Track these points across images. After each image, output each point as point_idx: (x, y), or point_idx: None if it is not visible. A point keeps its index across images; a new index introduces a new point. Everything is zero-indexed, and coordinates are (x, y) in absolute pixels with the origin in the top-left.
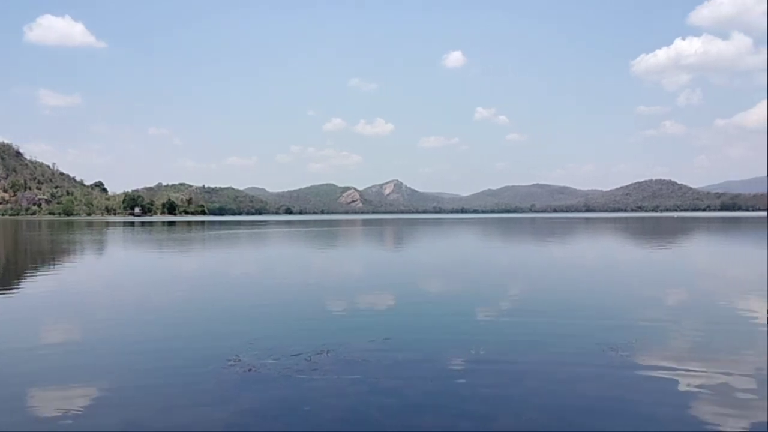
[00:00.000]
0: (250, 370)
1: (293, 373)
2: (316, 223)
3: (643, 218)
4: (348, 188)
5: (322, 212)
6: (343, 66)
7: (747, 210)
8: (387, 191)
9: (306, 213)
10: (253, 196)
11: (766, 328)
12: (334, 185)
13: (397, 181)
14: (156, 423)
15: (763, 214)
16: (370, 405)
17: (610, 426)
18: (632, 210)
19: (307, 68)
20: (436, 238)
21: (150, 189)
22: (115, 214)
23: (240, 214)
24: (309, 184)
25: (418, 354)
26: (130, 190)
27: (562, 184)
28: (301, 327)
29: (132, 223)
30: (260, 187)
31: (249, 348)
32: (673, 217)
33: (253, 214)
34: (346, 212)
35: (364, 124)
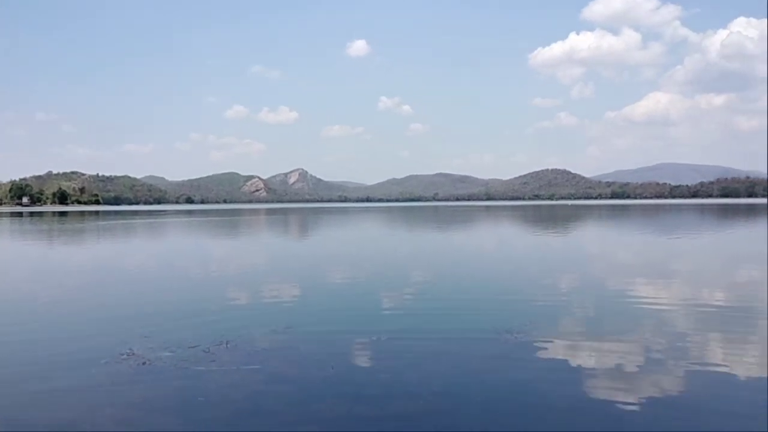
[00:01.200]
0: (144, 363)
1: (190, 365)
2: (218, 212)
3: (539, 206)
4: (251, 177)
5: (225, 201)
6: (243, 52)
7: (635, 198)
8: (292, 180)
9: (208, 202)
10: (151, 185)
11: (650, 308)
12: (237, 174)
13: (302, 170)
14: (40, 421)
15: (650, 201)
16: (269, 394)
17: (504, 406)
18: (530, 198)
19: (205, 53)
20: (341, 227)
21: (39, 178)
22: (0, 204)
23: (137, 203)
24: (210, 173)
25: (320, 342)
26: (17, 179)
27: (463, 173)
28: (199, 319)
29: (20, 214)
30: (159, 175)
31: (144, 341)
32: (567, 205)
33: (151, 203)
34: (250, 201)
35: (267, 111)
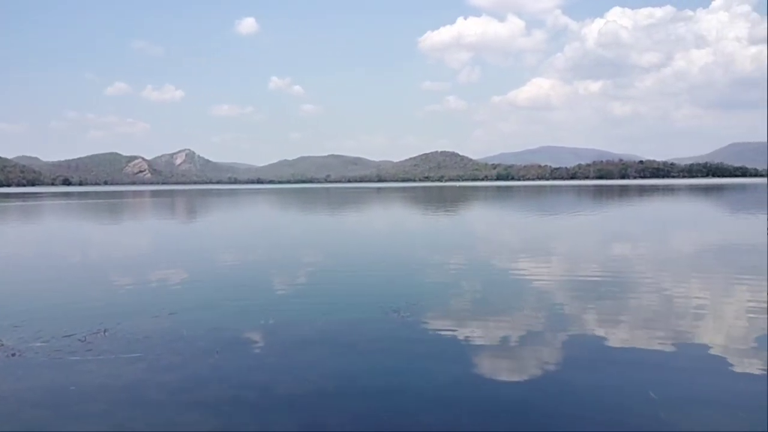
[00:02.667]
0: (13, 354)
1: (65, 355)
2: (98, 195)
3: (429, 188)
4: (134, 158)
5: (106, 183)
6: (124, 26)
7: (519, 179)
8: (178, 161)
9: (87, 184)
10: (24, 166)
11: (533, 284)
12: (118, 154)
13: (189, 150)
14: None
15: (533, 183)
16: (150, 383)
17: (388, 385)
18: (420, 180)
19: (82, 26)
20: (230, 209)
21: None
22: None
23: (9, 185)
24: (90, 153)
25: (205, 328)
26: None
27: (356, 155)
28: (76, 306)
29: None
30: (32, 155)
31: (13, 331)
32: (455, 187)
33: (24, 185)
34: (133, 183)
35: (151, 89)
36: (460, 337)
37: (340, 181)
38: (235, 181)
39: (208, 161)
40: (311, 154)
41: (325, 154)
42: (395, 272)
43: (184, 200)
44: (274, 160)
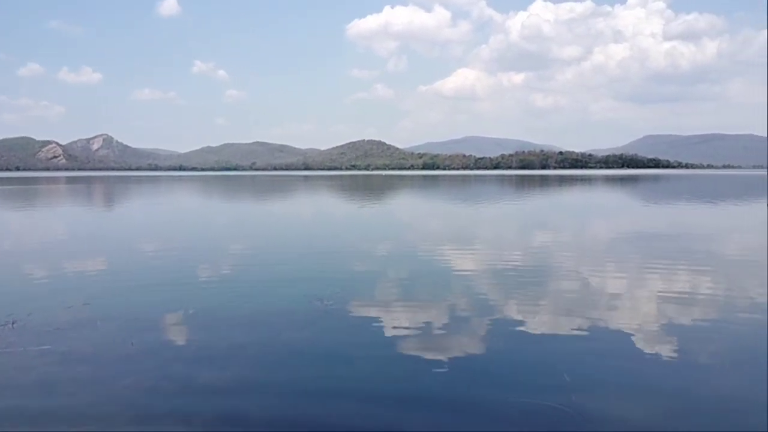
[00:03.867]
0: None
1: None
2: (9, 181)
3: (356, 176)
4: (48, 142)
5: (18, 169)
6: (38, 5)
7: (444, 169)
8: (95, 146)
9: None
10: None
11: (457, 272)
12: (31, 139)
13: (107, 135)
14: None
15: (458, 172)
16: (61, 376)
17: (310, 372)
18: (347, 168)
19: None
20: (150, 197)
21: None
22: None
23: None
24: (0, 138)
25: (121, 318)
26: None
27: (282, 143)
28: None
29: None
30: None
31: None
32: (382, 175)
33: None
34: (47, 169)
35: (67, 71)
36: (383, 325)
37: (265, 169)
38: (156, 168)
39: (127, 147)
40: (236, 141)
41: (251, 141)
42: (320, 261)
43: (101, 187)
44: (198, 147)
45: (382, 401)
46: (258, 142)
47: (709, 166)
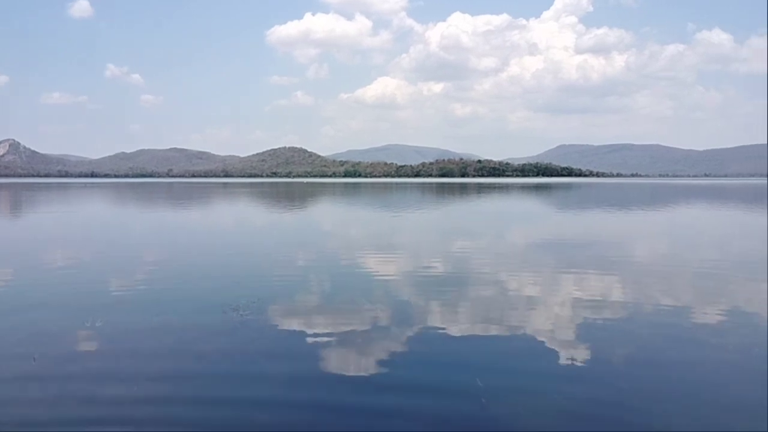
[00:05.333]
0: None
1: None
2: None
3: (277, 183)
4: None
5: None
6: None
7: (366, 176)
8: (1, 152)
9: None
10: None
11: (378, 279)
12: None
13: (14, 140)
14: None
15: (379, 180)
16: None
17: (221, 386)
18: (267, 176)
19: None
20: (58, 204)
21: None
22: None
23: None
24: None
25: (23, 332)
26: None
27: (200, 149)
28: None
29: None
30: None
31: None
32: (303, 183)
33: None
34: None
35: None
36: (300, 334)
37: (183, 176)
38: (66, 175)
39: (35, 153)
40: (152, 147)
41: (168, 147)
42: (238, 270)
43: (5, 194)
44: (111, 153)
45: (297, 412)
46: (175, 149)
47: (619, 175)
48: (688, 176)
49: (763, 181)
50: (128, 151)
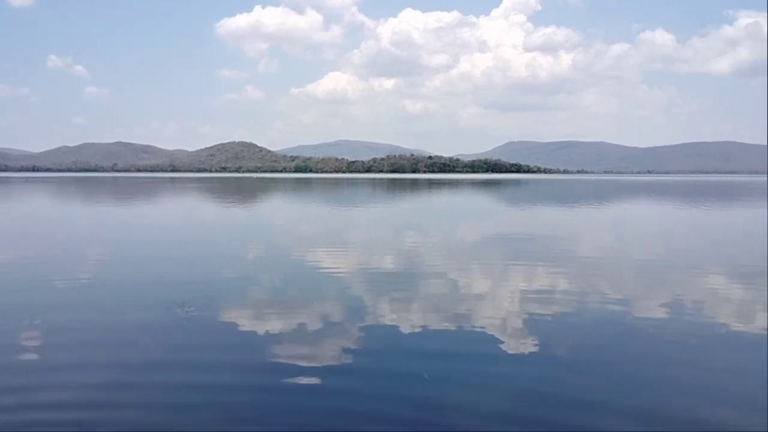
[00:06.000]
0: None
1: None
2: None
3: (226, 178)
4: None
5: None
6: None
7: (317, 172)
8: None
9: None
10: None
11: (328, 276)
12: None
13: None
14: None
15: (330, 175)
16: None
17: (164, 384)
18: (216, 171)
19: None
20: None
21: None
22: None
23: None
24: None
25: None
26: None
27: (146, 143)
28: None
29: None
30: None
31: None
32: (253, 178)
33: None
34: None
35: None
36: (247, 330)
37: (129, 171)
38: (6, 169)
39: None
40: (96, 141)
41: (113, 141)
42: (184, 267)
43: None
44: (53, 147)
45: (243, 409)
46: (120, 142)
47: (566, 171)
48: (632, 173)
49: (702, 178)
50: (71, 144)
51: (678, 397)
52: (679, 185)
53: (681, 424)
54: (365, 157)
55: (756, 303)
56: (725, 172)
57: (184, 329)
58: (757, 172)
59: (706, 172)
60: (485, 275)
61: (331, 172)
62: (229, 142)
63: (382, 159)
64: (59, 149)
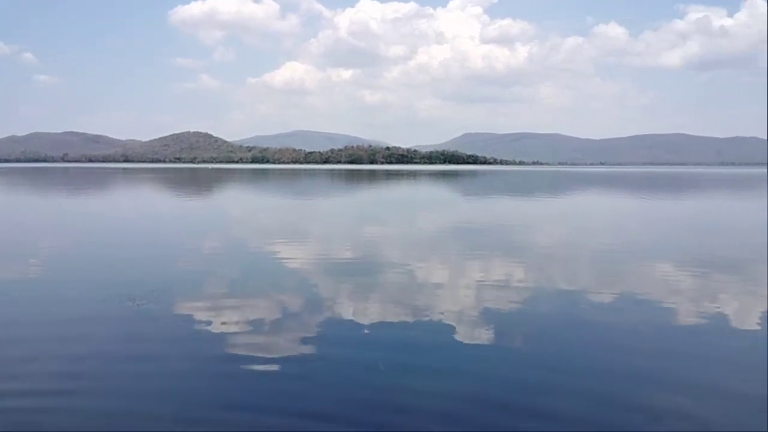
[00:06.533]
0: None
1: None
2: None
3: (181, 169)
4: None
5: None
6: None
7: (274, 163)
8: None
9: None
10: None
11: (287, 267)
12: None
13: None
14: None
15: (288, 166)
16: None
17: (113, 377)
18: (171, 161)
19: None
20: None
21: None
22: None
23: None
24: None
25: None
26: None
27: (98, 133)
28: None
29: None
30: None
31: None
32: (209, 169)
33: None
34: None
35: None
36: (200, 323)
37: (79, 161)
38: None
39: None
40: (46, 130)
41: (63, 130)
42: (137, 260)
43: None
44: (1, 136)
45: (196, 401)
46: (71, 132)
47: (521, 163)
48: (586, 164)
49: (653, 169)
50: (20, 134)
51: (630, 382)
52: (631, 177)
53: (632, 408)
54: (323, 147)
55: (704, 291)
56: (675, 164)
57: (134, 322)
58: (705, 164)
59: (657, 164)
60: (442, 266)
61: (288, 162)
62: (183, 132)
63: (340, 150)
64: (7, 139)
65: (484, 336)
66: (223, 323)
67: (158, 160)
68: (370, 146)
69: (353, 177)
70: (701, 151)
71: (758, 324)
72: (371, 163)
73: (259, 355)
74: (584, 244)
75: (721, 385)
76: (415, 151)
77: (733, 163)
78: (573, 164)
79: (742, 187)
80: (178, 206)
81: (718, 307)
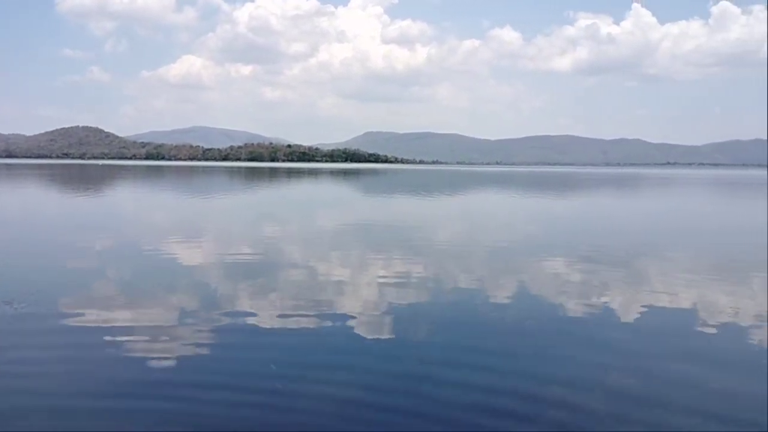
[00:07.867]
0: None
1: None
2: None
3: (69, 165)
4: None
5: None
6: None
7: (170, 159)
8: None
9: None
10: None
11: (181, 267)
12: None
13: None
14: None
15: (185, 163)
16: None
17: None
18: (58, 157)
19: None
20: None
21: None
22: None
23: None
24: None
25: None
26: None
27: None
28: None
29: None
30: None
31: None
32: (99, 165)
33: None
34: None
35: None
36: (87, 326)
37: None
38: None
39: None
40: None
41: None
42: (16, 261)
43: None
44: None
45: (85, 404)
46: None
47: (422, 162)
48: (483, 164)
49: (544, 169)
50: None
51: (520, 375)
52: (525, 176)
53: (525, 400)
54: (222, 144)
55: (592, 284)
56: (564, 164)
57: (13, 327)
58: (592, 164)
59: (548, 164)
60: (342, 264)
61: (185, 159)
62: (72, 127)
63: (240, 147)
64: None
65: (381, 332)
66: (111, 326)
67: (44, 156)
68: (271, 144)
69: (253, 175)
70: (588, 151)
71: (638, 315)
72: (272, 160)
73: (149, 356)
74: (482, 240)
75: (596, 376)
76: (316, 149)
77: (618, 164)
78: (471, 164)
79: (625, 186)
80: (64, 205)
81: (606, 301)
